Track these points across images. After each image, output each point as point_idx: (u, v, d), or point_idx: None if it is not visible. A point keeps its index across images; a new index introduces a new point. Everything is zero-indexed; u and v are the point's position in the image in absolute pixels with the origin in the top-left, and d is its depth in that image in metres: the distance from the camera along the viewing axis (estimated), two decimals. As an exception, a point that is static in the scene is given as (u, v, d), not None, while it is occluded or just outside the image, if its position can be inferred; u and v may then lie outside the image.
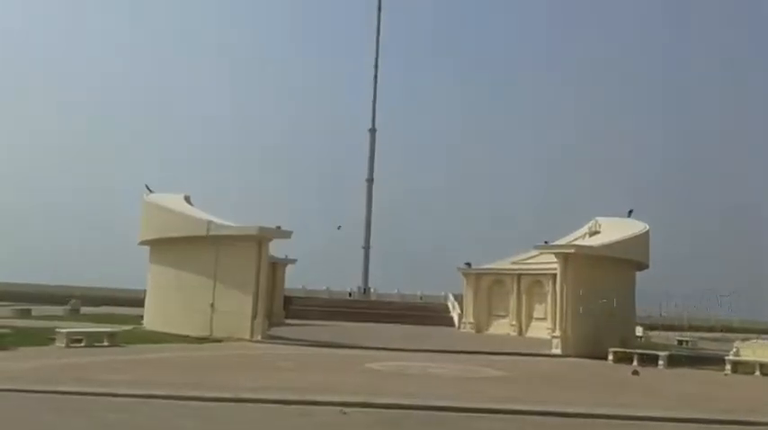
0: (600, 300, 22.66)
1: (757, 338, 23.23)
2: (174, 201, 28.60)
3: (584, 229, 31.30)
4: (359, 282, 51.26)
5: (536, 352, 22.85)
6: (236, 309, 23.24)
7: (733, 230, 75.03)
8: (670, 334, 36.48)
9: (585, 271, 23.80)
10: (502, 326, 33.04)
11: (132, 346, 19.59)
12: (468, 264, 35.71)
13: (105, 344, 19.52)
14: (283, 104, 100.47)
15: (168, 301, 26.50)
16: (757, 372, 18.98)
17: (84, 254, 70.64)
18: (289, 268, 35.49)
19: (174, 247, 26.92)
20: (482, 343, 26.43)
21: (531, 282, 31.99)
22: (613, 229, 28.25)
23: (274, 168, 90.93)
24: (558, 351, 22.71)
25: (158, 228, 27.71)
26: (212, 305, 23.76)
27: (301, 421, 10.03)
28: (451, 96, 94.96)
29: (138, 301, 30.30)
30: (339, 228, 51.38)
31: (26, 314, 32.48)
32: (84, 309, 38.28)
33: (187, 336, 22.41)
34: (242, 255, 23.89)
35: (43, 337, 19.61)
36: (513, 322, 32.48)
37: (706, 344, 33.97)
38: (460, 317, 36.65)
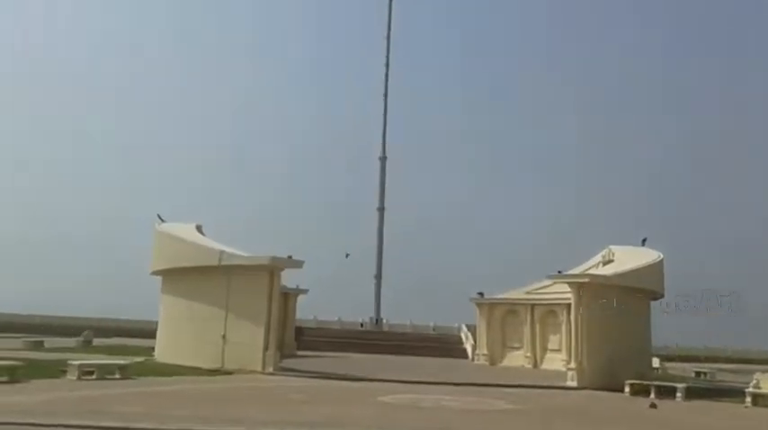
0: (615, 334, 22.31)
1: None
2: (186, 231, 28.66)
3: (598, 258, 31.07)
4: (371, 312, 50.98)
5: (551, 384, 22.50)
6: (248, 340, 23.09)
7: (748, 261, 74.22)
8: (687, 365, 35.99)
9: (600, 300, 23.53)
10: (516, 358, 32.61)
11: (144, 379, 19.47)
12: (481, 294, 35.40)
13: (117, 376, 19.41)
14: (293, 134, 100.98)
15: (179, 333, 26.41)
16: (778, 405, 18.57)
17: (98, 284, 70.67)
18: (300, 298, 35.36)
19: (185, 278, 26.91)
20: (496, 375, 26.09)
21: (545, 313, 31.65)
22: (627, 258, 28.01)
23: (286, 197, 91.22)
24: (573, 383, 22.35)
25: (170, 258, 27.73)
26: (224, 336, 23.64)
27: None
28: (462, 125, 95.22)
29: (152, 333, 30.21)
30: (347, 256, 51.20)
31: (38, 346, 32.45)
32: (97, 341, 38.24)
33: (198, 368, 22.26)
34: (254, 285, 23.79)
35: (55, 370, 19.53)
36: (528, 354, 32.05)
37: (725, 375, 33.41)
38: (474, 348, 36.24)
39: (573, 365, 22.89)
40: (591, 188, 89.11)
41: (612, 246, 30.71)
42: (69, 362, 19.53)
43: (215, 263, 24.60)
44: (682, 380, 24.79)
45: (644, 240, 29.97)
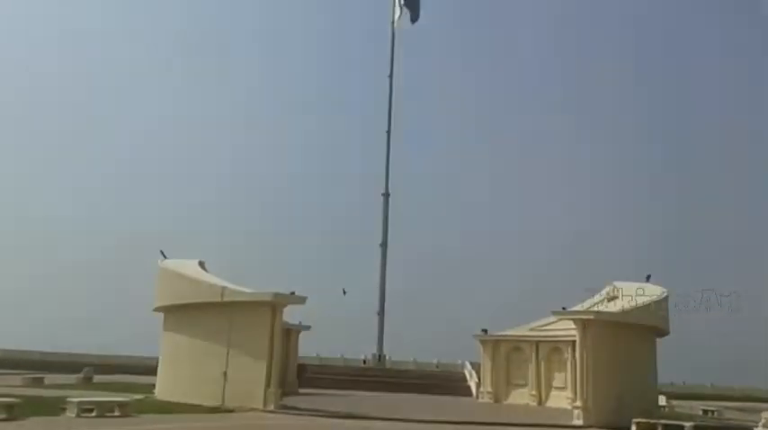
0: (619, 368, 22.09)
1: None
2: (189, 267, 28.62)
3: (602, 294, 30.87)
4: (374, 348, 50.56)
5: (556, 423, 22.21)
6: (249, 377, 22.88)
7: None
8: (694, 403, 35.49)
9: (605, 337, 23.35)
10: (521, 396, 32.18)
11: (144, 416, 19.25)
12: (485, 331, 35.09)
13: (116, 414, 19.21)
14: (295, 166, 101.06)
15: (180, 369, 26.17)
16: (788, 445, 18.25)
17: (99, 321, 70.27)
18: (303, 335, 35.12)
19: (187, 314, 26.78)
20: (500, 413, 25.75)
21: (550, 350, 31.32)
22: (632, 295, 27.84)
23: (287, 231, 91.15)
24: (579, 421, 22.03)
25: (172, 295, 27.64)
26: (225, 373, 23.42)
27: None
28: (465, 160, 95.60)
29: (153, 369, 29.98)
30: (344, 292, 50.83)
31: (38, 383, 32.19)
32: (98, 378, 37.92)
33: (199, 406, 22.02)
34: (256, 321, 23.66)
35: (54, 407, 19.35)
36: (533, 391, 31.63)
37: (732, 413, 32.93)
38: (478, 386, 35.80)
39: (578, 403, 22.59)
40: (595, 225, 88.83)
41: (617, 283, 30.52)
42: (69, 399, 19.36)
43: (217, 299, 24.51)
44: (689, 418, 24.45)
45: (648, 276, 29.79)
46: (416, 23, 55.75)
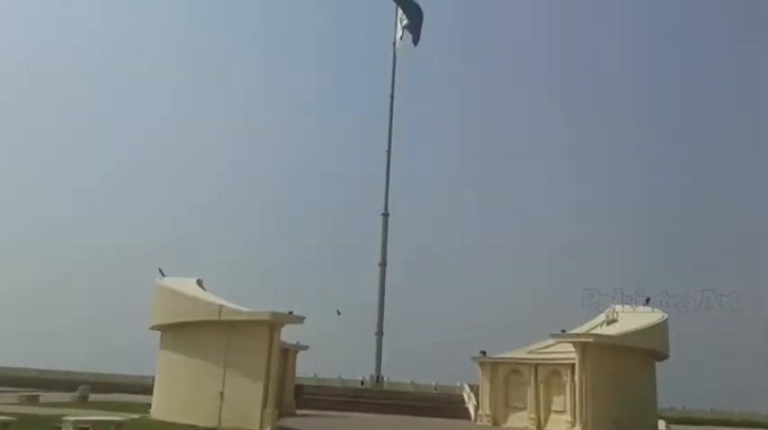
0: (618, 392, 21.97)
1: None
2: (186, 285, 28.57)
3: (602, 317, 30.79)
4: (372, 369, 50.24)
5: (555, 446, 22.01)
6: (246, 397, 22.72)
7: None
8: (693, 428, 35.19)
9: (604, 361, 23.24)
10: (520, 419, 31.89)
11: (138, 436, 19.07)
12: (484, 353, 34.86)
13: (111, 433, 19.01)
14: (293, 186, 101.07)
15: (176, 389, 26.00)
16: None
17: (97, 338, 69.85)
18: (300, 355, 34.91)
19: (184, 332, 26.66)
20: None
21: (549, 373, 31.09)
22: (631, 318, 27.79)
23: (285, 250, 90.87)
24: (578, 445, 21.86)
25: (169, 313, 27.54)
26: (222, 393, 23.26)
27: None
28: (465, 180, 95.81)
29: (151, 389, 29.79)
30: (339, 313, 50.54)
31: (33, 401, 31.93)
32: (95, 396, 37.64)
33: (195, 426, 21.85)
34: (253, 340, 23.56)
35: (49, 426, 19.18)
36: (532, 415, 31.36)
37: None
38: (476, 408, 35.53)
39: (578, 427, 22.48)
40: (595, 225, 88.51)
41: (616, 306, 30.47)
42: (64, 418, 19.14)
43: (215, 317, 24.42)
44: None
45: (647, 299, 29.77)
46: (418, 46, 56.13)
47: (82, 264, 77.96)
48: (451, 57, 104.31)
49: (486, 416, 33.26)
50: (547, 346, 31.30)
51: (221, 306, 24.71)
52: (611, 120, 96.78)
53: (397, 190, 55.00)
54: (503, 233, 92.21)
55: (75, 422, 18.68)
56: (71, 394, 37.03)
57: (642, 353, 25.76)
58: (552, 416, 30.61)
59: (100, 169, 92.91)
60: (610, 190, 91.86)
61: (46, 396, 34.82)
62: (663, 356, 27.20)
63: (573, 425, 23.59)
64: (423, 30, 55.84)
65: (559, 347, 28.56)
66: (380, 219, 53.35)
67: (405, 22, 55.59)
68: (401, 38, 55.93)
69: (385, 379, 49.27)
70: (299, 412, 32.21)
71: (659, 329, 26.55)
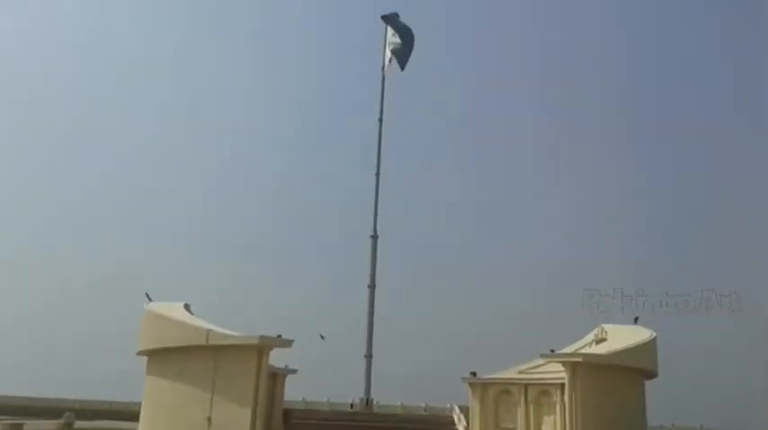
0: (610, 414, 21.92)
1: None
2: (174, 310, 28.36)
3: (591, 337, 30.80)
4: (361, 392, 49.86)
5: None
6: (234, 422, 22.52)
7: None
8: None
9: (594, 380, 23.22)
10: (511, 440, 31.77)
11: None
12: (474, 374, 34.74)
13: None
14: (282, 208, 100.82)
15: (163, 415, 25.70)
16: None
17: (83, 365, 68.94)
18: (288, 378, 34.56)
19: (171, 357, 26.41)
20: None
21: (539, 393, 30.98)
22: (620, 337, 27.82)
23: (273, 272, 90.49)
24: (569, 466, 21.74)
25: (156, 338, 27.30)
26: (209, 418, 23.02)
27: None
28: (453, 201, 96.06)
29: (137, 415, 29.41)
30: (323, 337, 50.11)
31: (17, 428, 31.44)
32: (80, 423, 37.16)
33: (182, 453, 21.56)
34: (241, 365, 23.43)
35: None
36: (522, 435, 31.25)
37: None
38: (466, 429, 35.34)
39: (568, 448, 22.34)
40: (595, 225, 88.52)
41: (605, 325, 30.51)
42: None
43: (202, 342, 24.24)
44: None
45: (636, 319, 29.86)
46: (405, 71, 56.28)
47: (69, 290, 77.49)
48: (443, 75, 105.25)
49: (477, 437, 33.10)
50: (537, 366, 31.24)
51: (209, 330, 24.55)
52: (611, 119, 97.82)
53: (386, 210, 55.00)
54: (495, 253, 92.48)
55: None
56: (56, 421, 36.53)
57: (632, 371, 25.76)
58: (543, 436, 30.53)
59: (99, 169, 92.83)
60: (610, 190, 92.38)
61: (30, 424, 34.29)
62: (652, 374, 27.22)
63: (563, 445, 23.51)
64: (414, 53, 56.17)
65: (549, 367, 28.52)
66: (369, 240, 53.32)
67: (392, 46, 56.00)
68: (389, 61, 56.31)
69: (375, 402, 48.89)
70: (287, 437, 31.85)
71: (648, 348, 26.59)
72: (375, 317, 51.11)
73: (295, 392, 38.74)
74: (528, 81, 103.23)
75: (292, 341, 24.30)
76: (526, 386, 31.80)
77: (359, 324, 50.28)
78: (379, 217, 53.37)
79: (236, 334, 24.83)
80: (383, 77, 57.57)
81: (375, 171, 55.27)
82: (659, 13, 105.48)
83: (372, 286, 52.42)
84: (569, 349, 29.30)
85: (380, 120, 56.54)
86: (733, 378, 51.69)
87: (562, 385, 25.65)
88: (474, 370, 35.06)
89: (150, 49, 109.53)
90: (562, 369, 24.30)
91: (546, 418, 30.48)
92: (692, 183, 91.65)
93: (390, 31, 55.17)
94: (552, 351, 27.72)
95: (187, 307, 29.39)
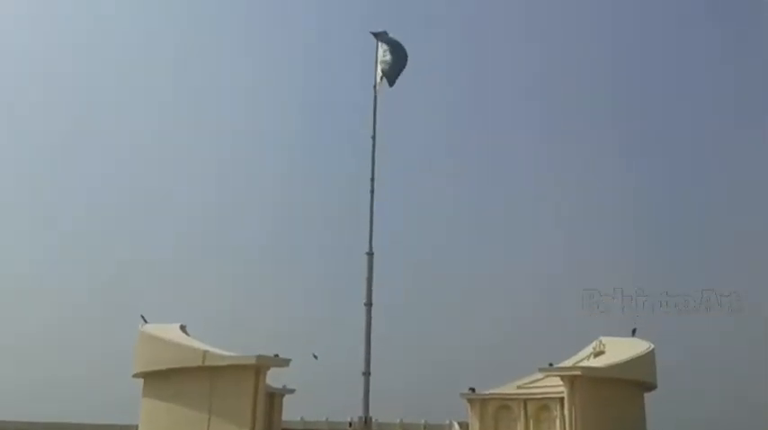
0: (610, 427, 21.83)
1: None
2: (169, 331, 28.20)
3: (589, 350, 30.73)
4: (359, 410, 49.50)
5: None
6: (232, 444, 22.31)
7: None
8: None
9: (593, 393, 23.12)
10: (511, 456, 31.57)
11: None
12: (473, 390, 34.59)
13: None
14: (278, 223, 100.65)
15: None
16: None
17: (78, 387, 68.31)
18: (286, 398, 34.32)
19: (167, 379, 26.21)
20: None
21: (539, 408, 30.83)
22: (618, 349, 27.76)
23: (270, 292, 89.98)
24: (570, 481, 21.59)
25: (152, 360, 27.12)
26: (207, 440, 22.83)
27: None
28: (449, 215, 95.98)
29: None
30: (316, 357, 49.70)
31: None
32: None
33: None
34: (238, 385, 23.28)
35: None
36: (522, 451, 31.06)
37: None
38: (466, 446, 35.11)
39: (569, 462, 22.19)
40: (595, 225, 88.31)
41: (603, 337, 30.45)
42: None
43: (198, 363, 24.09)
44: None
45: (634, 331, 29.79)
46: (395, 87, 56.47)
47: (69, 304, 77.07)
48: (439, 85, 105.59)
49: (477, 453, 32.87)
50: (536, 381, 31.13)
51: (205, 351, 24.41)
52: (611, 119, 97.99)
53: (381, 226, 54.94)
54: (495, 266, 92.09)
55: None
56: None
57: (630, 384, 25.67)
58: (543, 452, 30.33)
59: (99, 169, 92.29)
60: (610, 190, 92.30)
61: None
62: (651, 387, 27.13)
63: (564, 459, 23.36)
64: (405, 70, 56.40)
65: (548, 381, 28.41)
66: (365, 257, 53.22)
67: (382, 65, 56.24)
68: (381, 79, 56.54)
69: (374, 419, 48.53)
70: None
71: (646, 360, 26.53)
72: (372, 334, 51.12)
73: (293, 412, 38.44)
74: (528, 80, 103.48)
75: (290, 360, 24.17)
76: (525, 401, 31.65)
77: (357, 340, 50.10)
78: (374, 233, 53.54)
79: (232, 354, 24.68)
80: (375, 96, 57.98)
81: (369, 188, 55.51)
82: (659, 16, 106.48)
83: (369, 304, 52.32)
84: (568, 363, 29.20)
85: (373, 138, 56.77)
86: (733, 385, 51.47)
87: (561, 399, 25.54)
88: (473, 385, 34.95)
89: (150, 49, 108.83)
90: (561, 383, 24.17)
91: (546, 433, 30.37)
92: (692, 184, 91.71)
93: (381, 48, 55.38)
94: (551, 365, 27.62)
95: (183, 328, 29.22)
